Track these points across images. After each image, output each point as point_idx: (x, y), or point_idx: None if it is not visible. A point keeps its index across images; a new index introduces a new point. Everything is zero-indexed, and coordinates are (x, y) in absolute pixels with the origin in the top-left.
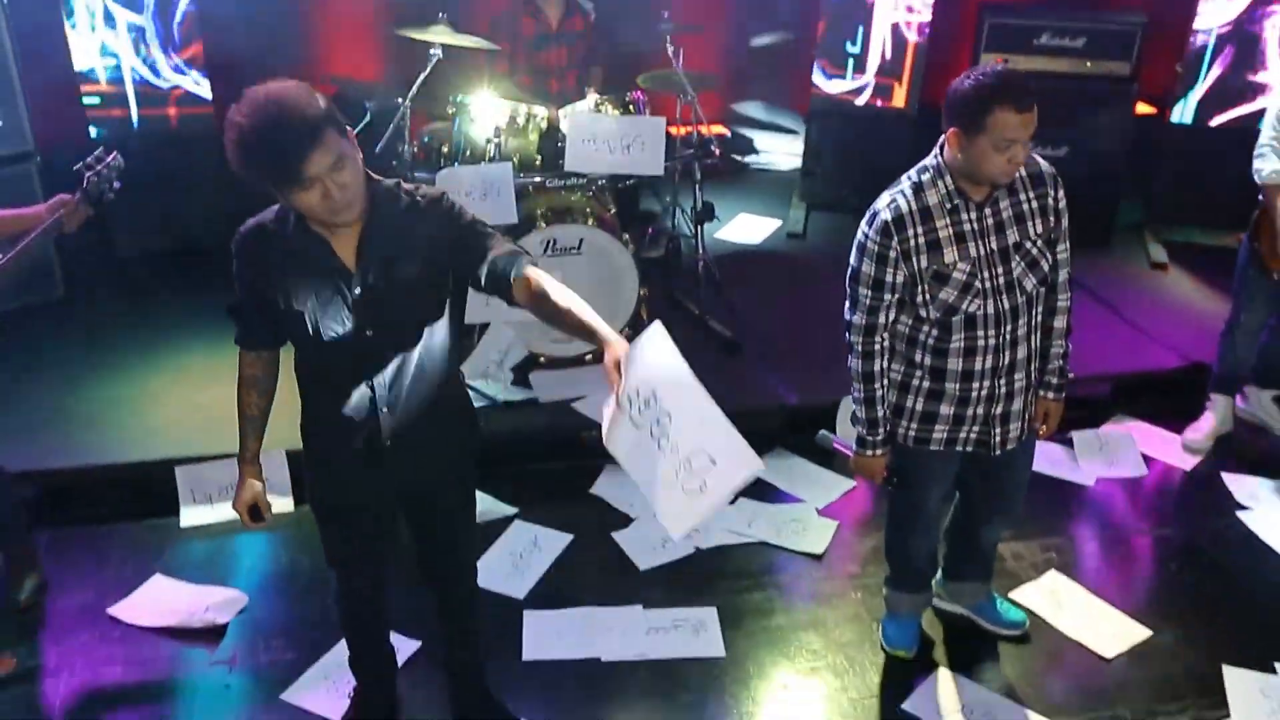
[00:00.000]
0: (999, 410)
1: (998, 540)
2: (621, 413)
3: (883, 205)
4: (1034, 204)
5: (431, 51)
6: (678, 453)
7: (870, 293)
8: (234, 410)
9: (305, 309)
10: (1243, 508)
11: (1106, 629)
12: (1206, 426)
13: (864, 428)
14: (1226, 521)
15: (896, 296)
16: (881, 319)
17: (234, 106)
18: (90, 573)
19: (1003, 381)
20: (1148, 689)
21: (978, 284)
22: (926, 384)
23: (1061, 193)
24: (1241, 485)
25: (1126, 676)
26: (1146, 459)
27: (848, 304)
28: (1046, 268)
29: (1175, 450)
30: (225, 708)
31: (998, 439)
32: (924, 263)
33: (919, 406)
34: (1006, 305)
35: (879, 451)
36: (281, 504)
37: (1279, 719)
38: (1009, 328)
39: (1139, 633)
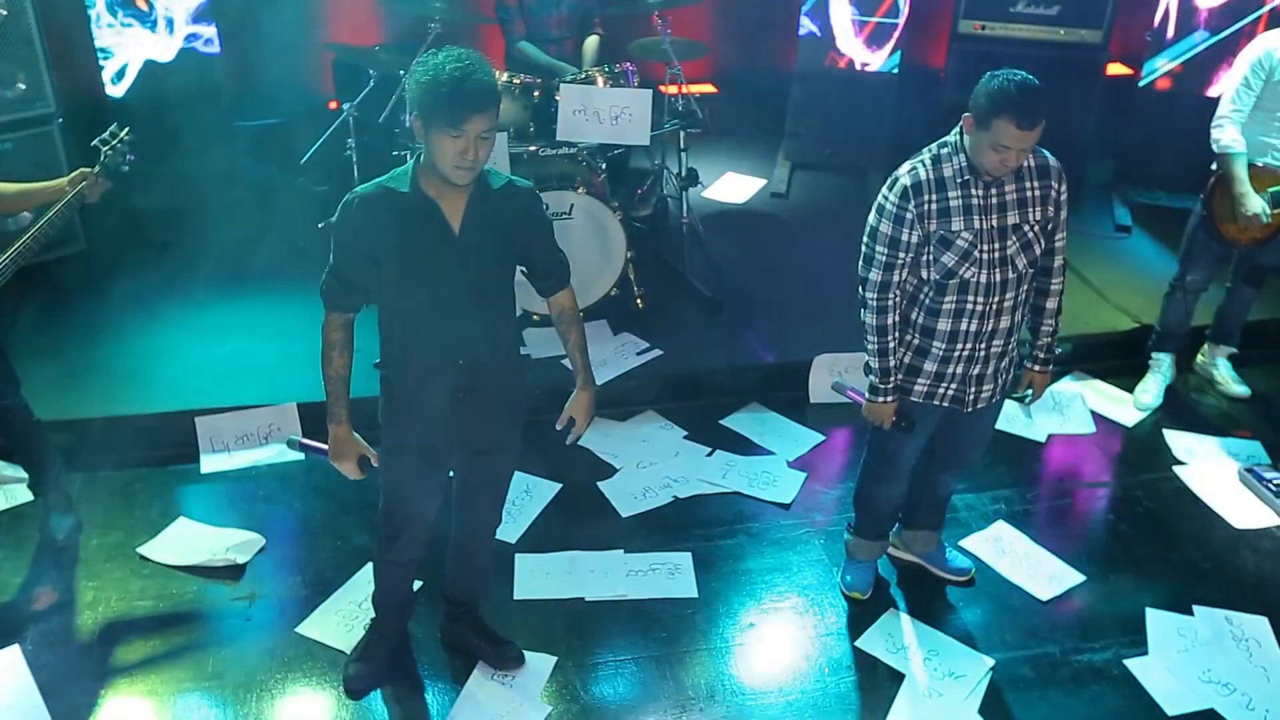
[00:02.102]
0: (975, 372)
1: (952, 491)
2: None
3: (904, 172)
4: (1037, 193)
5: (430, 25)
6: None
7: (887, 250)
8: (248, 364)
9: (409, 262)
10: (1180, 462)
11: (1044, 574)
12: (1154, 386)
13: (877, 377)
14: (1163, 475)
15: (910, 256)
16: (895, 276)
17: (437, 50)
18: (120, 514)
19: (983, 346)
20: (1077, 629)
21: (976, 253)
22: (916, 340)
23: (1065, 186)
24: (1180, 441)
25: (1059, 617)
26: (1096, 416)
27: (862, 261)
28: (1038, 251)
29: (1123, 408)
30: (245, 639)
31: (971, 398)
32: (933, 226)
33: (906, 359)
34: (998, 278)
35: (890, 399)
36: (295, 454)
37: (1189, 655)
38: (996, 298)
39: (1073, 577)
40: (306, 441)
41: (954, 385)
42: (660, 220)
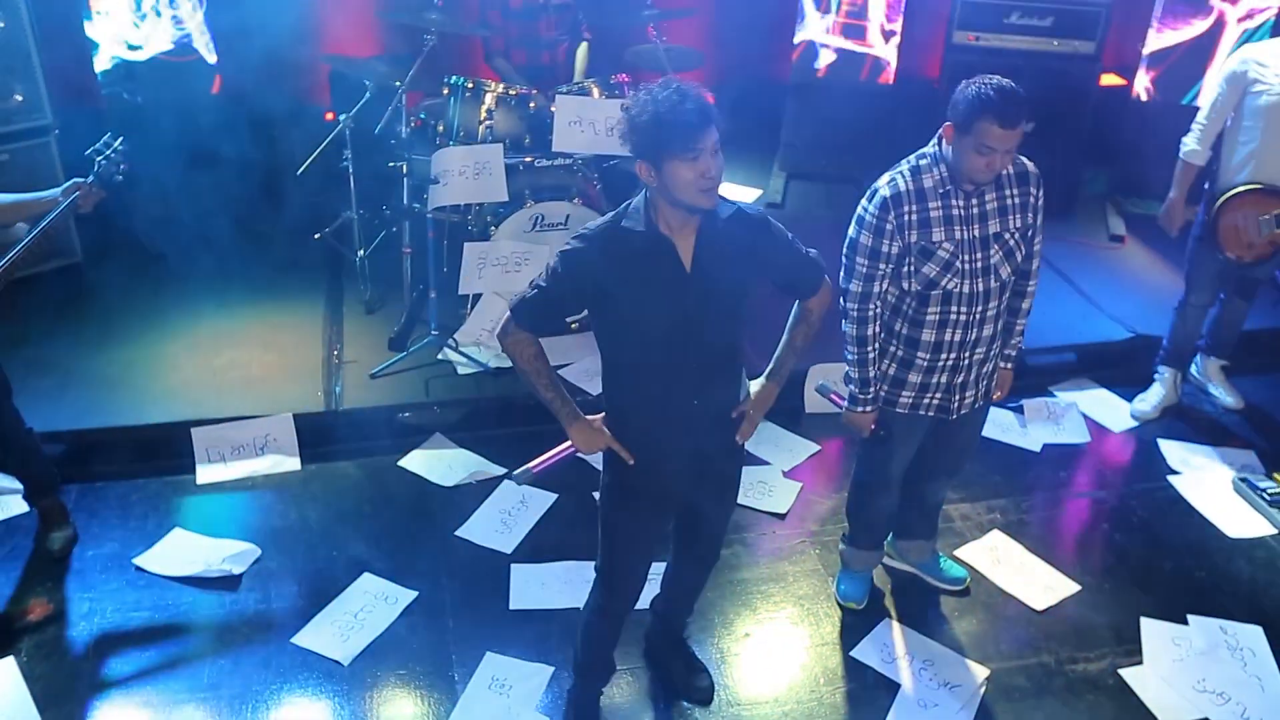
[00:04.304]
0: (959, 380)
1: (942, 499)
2: None
3: (883, 184)
4: (1016, 200)
5: (426, 37)
6: None
7: (867, 262)
8: (244, 374)
9: (639, 301)
10: (1174, 472)
11: (1039, 584)
12: (1154, 398)
13: (857, 386)
14: (1157, 485)
15: (890, 267)
16: (876, 287)
17: (637, 93)
18: (115, 525)
19: (966, 355)
20: (1072, 638)
21: (958, 264)
22: (901, 352)
23: (1042, 192)
24: (1174, 451)
25: (1054, 627)
26: (1091, 426)
27: (843, 273)
28: (1020, 258)
29: (1118, 417)
30: (241, 650)
31: (955, 405)
32: (914, 238)
33: (891, 371)
34: (980, 287)
35: (869, 408)
36: (289, 463)
37: (1184, 664)
38: (979, 308)
39: (1068, 587)
40: (537, 466)
41: (939, 395)
42: None
